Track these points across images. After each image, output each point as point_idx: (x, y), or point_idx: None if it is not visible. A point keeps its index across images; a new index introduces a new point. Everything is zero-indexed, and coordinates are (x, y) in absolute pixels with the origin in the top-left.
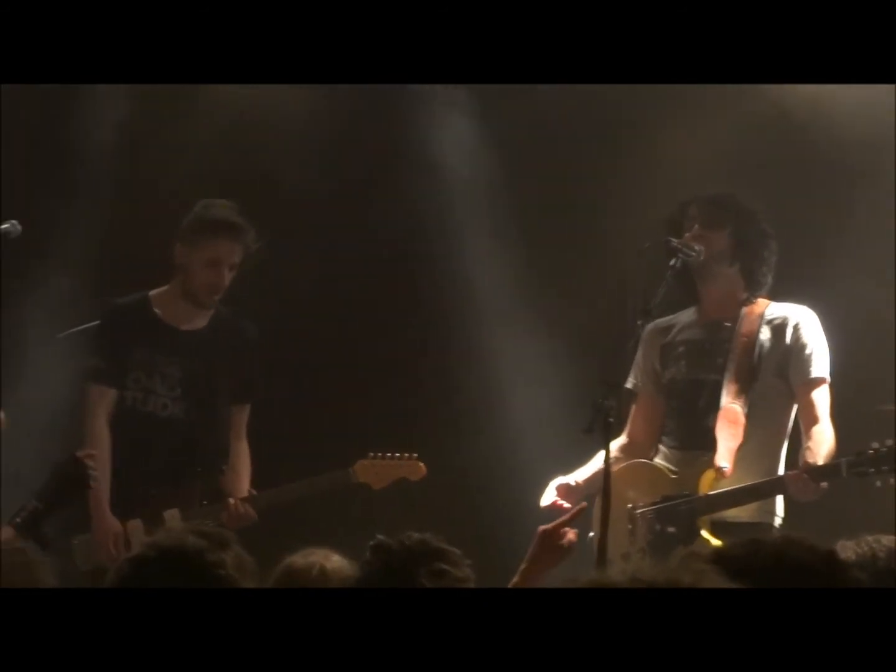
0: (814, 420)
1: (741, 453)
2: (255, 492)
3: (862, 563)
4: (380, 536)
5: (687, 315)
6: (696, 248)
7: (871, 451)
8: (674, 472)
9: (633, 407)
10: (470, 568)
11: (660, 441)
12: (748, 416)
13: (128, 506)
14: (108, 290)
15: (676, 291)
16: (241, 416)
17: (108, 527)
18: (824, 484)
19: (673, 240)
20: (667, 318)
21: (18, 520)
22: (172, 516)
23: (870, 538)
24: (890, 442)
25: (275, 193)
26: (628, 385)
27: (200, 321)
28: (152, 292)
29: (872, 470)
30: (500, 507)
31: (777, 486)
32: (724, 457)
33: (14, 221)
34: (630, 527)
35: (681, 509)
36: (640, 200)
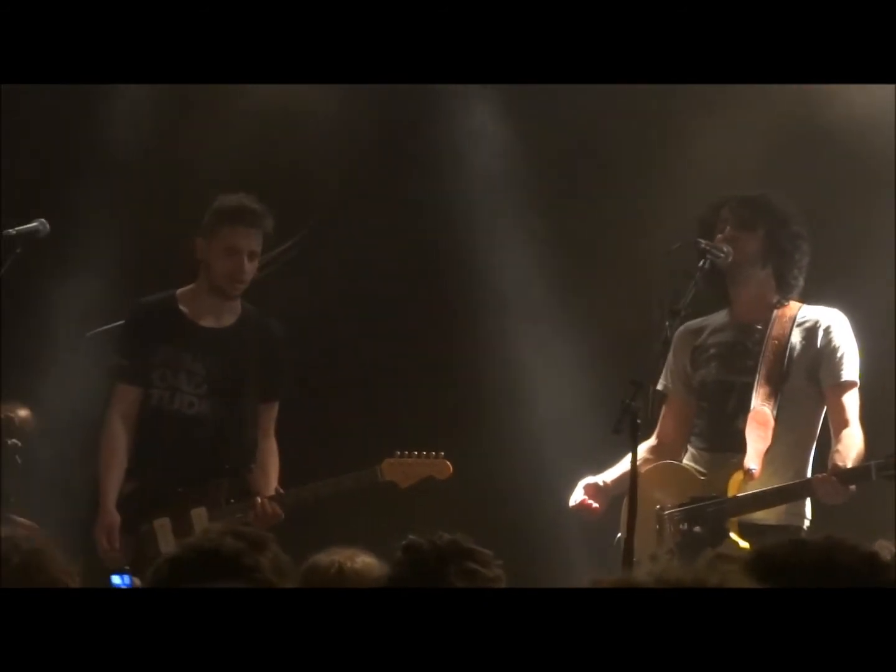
0: (843, 423)
1: (770, 456)
2: (282, 490)
3: None
4: (411, 536)
5: (718, 317)
6: (725, 249)
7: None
8: (702, 474)
9: (664, 408)
10: (500, 568)
11: (689, 442)
12: (777, 419)
13: (155, 504)
14: (139, 290)
15: (707, 292)
16: (270, 415)
17: (105, 521)
18: (852, 487)
19: (702, 241)
20: (698, 321)
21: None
22: (199, 515)
23: None
24: None
25: (301, 194)
26: (659, 387)
27: (227, 319)
28: (179, 290)
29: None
30: (526, 506)
31: (805, 488)
32: (752, 459)
33: (42, 220)
34: (658, 528)
35: (709, 511)
36: (670, 201)
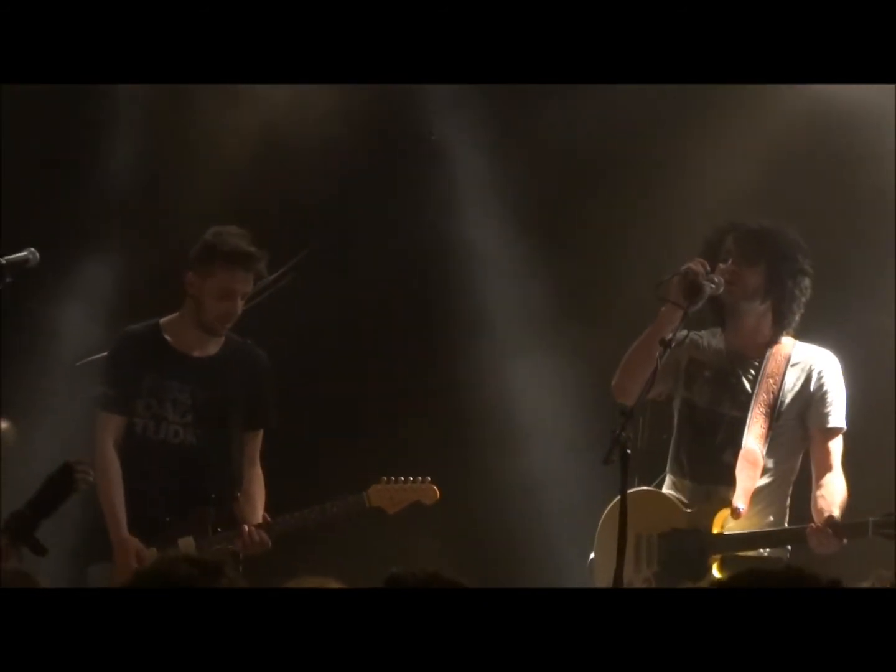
0: (827, 468)
1: (754, 495)
2: (269, 518)
3: None
4: (394, 569)
5: (715, 340)
6: (717, 279)
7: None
8: (686, 505)
9: None
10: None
11: (669, 469)
12: (766, 459)
13: (142, 534)
14: (127, 318)
15: (704, 313)
16: (255, 443)
17: (128, 547)
18: (845, 540)
19: (691, 273)
20: (698, 334)
21: (12, 526)
22: (187, 544)
23: None
24: None
25: (288, 225)
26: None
27: (212, 348)
28: (163, 319)
29: (895, 532)
30: (514, 530)
31: (797, 535)
32: (741, 497)
33: (32, 249)
34: (635, 555)
35: (693, 545)
36: (661, 231)
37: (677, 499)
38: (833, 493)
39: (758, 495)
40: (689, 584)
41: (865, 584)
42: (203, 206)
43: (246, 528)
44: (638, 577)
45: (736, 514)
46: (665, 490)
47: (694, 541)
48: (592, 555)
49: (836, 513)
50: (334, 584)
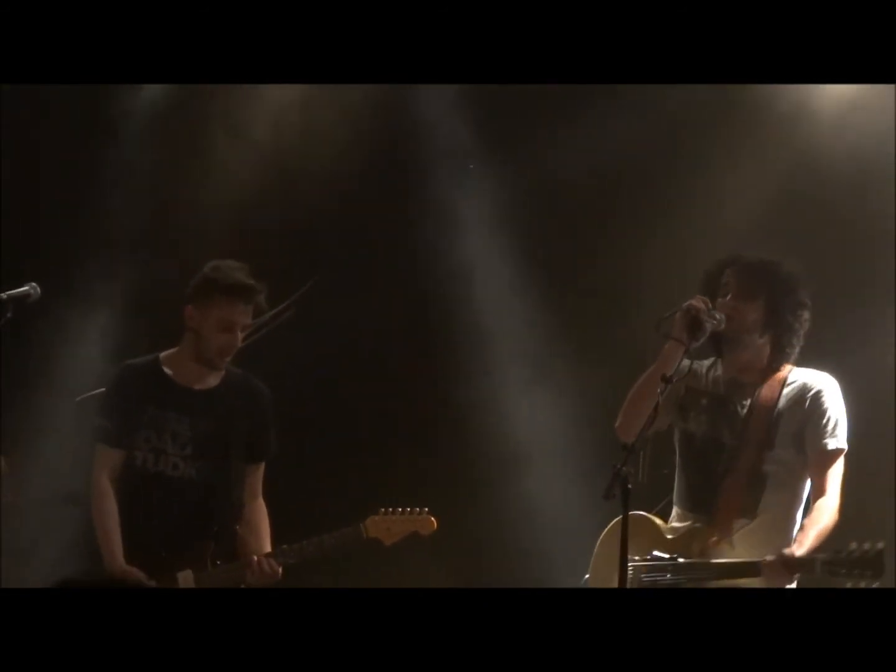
0: (821, 492)
1: (753, 527)
2: (284, 546)
3: None
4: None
5: (714, 368)
6: (718, 316)
7: (846, 553)
8: (670, 532)
9: None
10: None
11: (675, 501)
12: (765, 486)
13: (141, 568)
14: (128, 353)
15: (702, 345)
16: (257, 475)
17: (128, 576)
18: (797, 574)
19: (693, 309)
20: (698, 362)
21: None
22: (186, 578)
23: None
24: (867, 546)
25: (287, 255)
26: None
27: (212, 380)
28: (163, 354)
29: (844, 571)
30: (511, 559)
31: (753, 569)
32: (720, 529)
33: (34, 284)
34: (620, 580)
35: (666, 571)
36: (666, 262)
37: (663, 526)
38: (817, 519)
39: (760, 523)
40: None
41: None
42: (201, 240)
43: (256, 558)
44: None
45: (712, 543)
46: (672, 521)
47: (665, 566)
48: (587, 576)
49: (811, 543)
50: None
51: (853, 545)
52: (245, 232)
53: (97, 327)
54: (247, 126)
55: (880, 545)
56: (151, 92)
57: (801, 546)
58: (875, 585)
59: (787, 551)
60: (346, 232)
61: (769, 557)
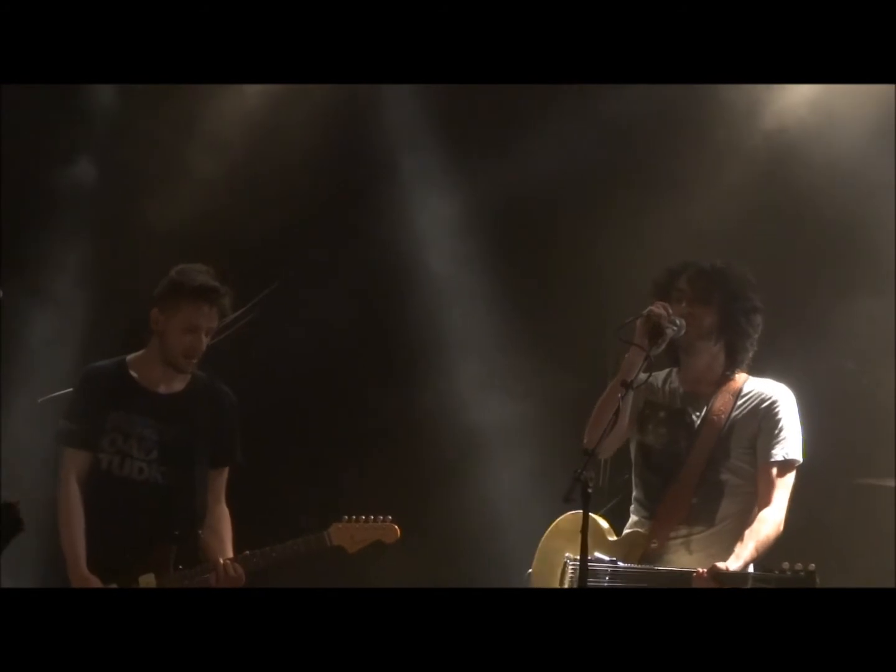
0: (765, 503)
1: (711, 536)
2: (248, 552)
3: None
4: None
5: (671, 379)
6: (678, 322)
7: (778, 572)
8: (610, 533)
9: None
10: None
11: (631, 509)
12: (723, 495)
13: (103, 571)
14: (92, 355)
15: (659, 357)
16: (221, 480)
17: (87, 585)
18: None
19: (654, 316)
20: (655, 374)
21: None
22: (147, 581)
23: None
24: (799, 566)
25: (252, 258)
26: None
27: (178, 385)
28: (129, 356)
29: (774, 588)
30: (475, 570)
31: (684, 579)
32: (656, 535)
33: None
34: (560, 575)
35: (601, 573)
36: (622, 271)
37: (606, 529)
38: (758, 531)
39: (714, 537)
40: None
41: None
42: (167, 244)
43: (221, 561)
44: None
45: (650, 550)
46: (626, 529)
47: (602, 569)
48: (530, 570)
49: (748, 555)
50: None
51: (785, 565)
52: (210, 235)
53: (62, 329)
54: (212, 127)
55: (811, 567)
56: (114, 92)
57: (738, 559)
58: None
59: (720, 564)
60: (308, 234)
61: (701, 569)
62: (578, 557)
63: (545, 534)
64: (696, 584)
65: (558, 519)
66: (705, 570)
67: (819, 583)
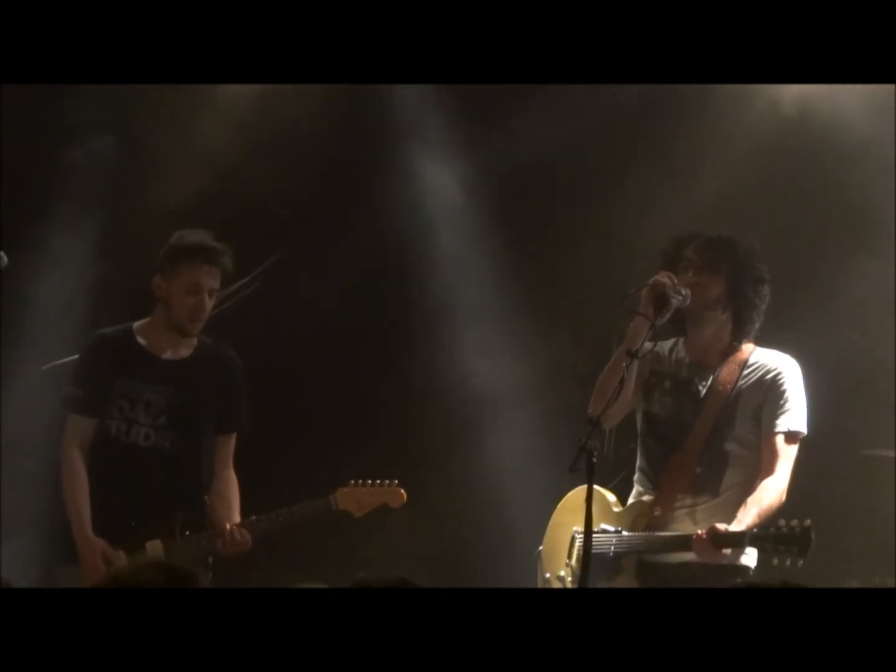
0: (769, 472)
1: (716, 505)
2: (254, 517)
3: None
4: (360, 574)
5: (677, 349)
6: (683, 292)
7: (774, 529)
8: (617, 506)
9: None
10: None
11: (635, 479)
12: (727, 465)
13: (110, 538)
14: (97, 323)
15: (665, 327)
16: (228, 445)
17: (93, 548)
18: (726, 550)
19: (660, 285)
20: (661, 344)
21: None
22: (154, 547)
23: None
24: (795, 522)
25: (258, 226)
26: None
27: (185, 350)
28: (136, 323)
29: (771, 546)
30: (481, 534)
31: (685, 543)
32: (661, 503)
33: (0, 252)
34: (569, 549)
35: (605, 543)
36: (628, 240)
37: (612, 501)
38: (760, 498)
39: (719, 506)
40: (602, 582)
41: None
42: (172, 213)
43: (228, 526)
44: (567, 571)
45: (654, 519)
46: (630, 499)
47: (606, 538)
48: (540, 547)
49: (750, 521)
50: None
51: (781, 521)
52: (212, 207)
53: (67, 296)
54: (223, 96)
55: (807, 522)
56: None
57: (739, 524)
58: (800, 564)
59: (718, 525)
60: (311, 204)
61: (700, 531)
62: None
63: (556, 510)
64: (695, 547)
65: (568, 494)
66: (704, 531)
67: (814, 539)
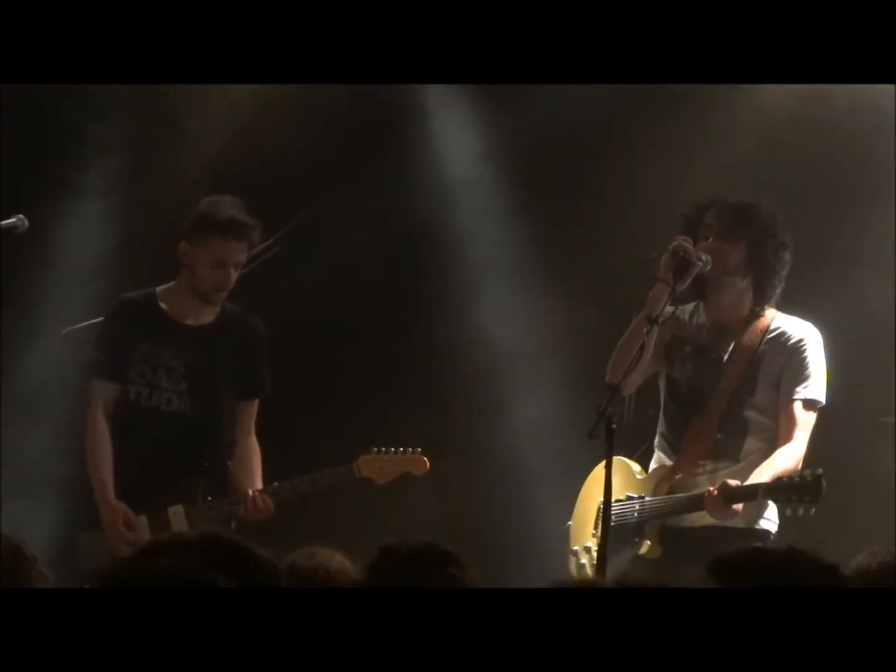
0: (787, 438)
1: (740, 466)
2: (276, 484)
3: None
4: (388, 539)
5: (698, 314)
6: (704, 258)
7: (786, 479)
8: (640, 474)
9: None
10: (476, 570)
11: (656, 445)
12: (747, 432)
13: (132, 502)
14: (120, 287)
15: (686, 292)
16: (250, 412)
17: (115, 512)
18: (738, 506)
19: (680, 250)
20: (682, 308)
21: None
22: (176, 513)
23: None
24: (807, 471)
25: (280, 190)
26: None
27: (207, 317)
28: (159, 288)
29: (783, 497)
30: (503, 503)
31: (699, 502)
32: (681, 468)
33: (21, 216)
34: (595, 520)
35: (629, 510)
36: (650, 208)
37: (633, 469)
38: (776, 463)
39: (746, 466)
40: (626, 548)
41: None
42: (194, 174)
43: (250, 492)
44: (593, 542)
45: (675, 482)
46: (652, 464)
47: (630, 505)
48: (569, 522)
49: (764, 481)
50: (339, 557)
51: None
52: (234, 170)
53: (89, 259)
54: None
55: (819, 471)
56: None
57: (756, 480)
58: (812, 512)
59: (730, 481)
60: (332, 166)
61: (711, 488)
62: (612, 500)
63: (584, 483)
64: (707, 504)
65: (594, 468)
66: (716, 488)
67: (825, 486)
